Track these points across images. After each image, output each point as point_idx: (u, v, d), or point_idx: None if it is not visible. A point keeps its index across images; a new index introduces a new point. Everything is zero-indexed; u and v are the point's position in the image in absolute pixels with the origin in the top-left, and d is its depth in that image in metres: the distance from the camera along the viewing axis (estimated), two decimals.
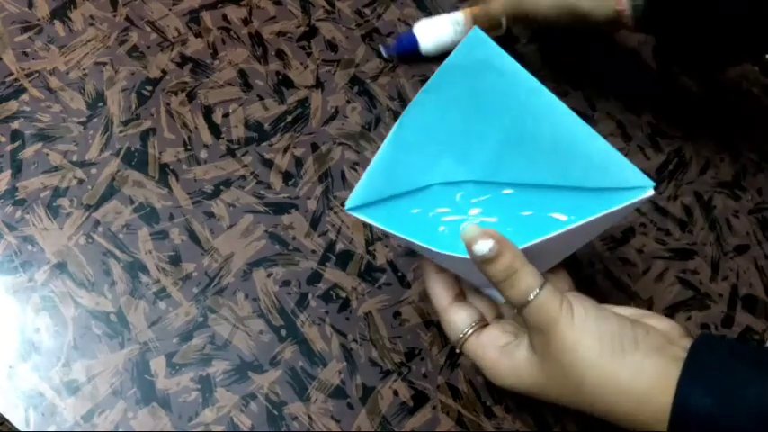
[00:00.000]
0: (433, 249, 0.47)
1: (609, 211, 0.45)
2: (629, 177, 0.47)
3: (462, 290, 0.55)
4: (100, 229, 0.60)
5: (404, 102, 0.68)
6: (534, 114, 0.48)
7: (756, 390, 0.42)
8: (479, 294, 0.54)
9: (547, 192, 0.49)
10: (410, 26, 0.71)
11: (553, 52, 0.72)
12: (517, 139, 0.48)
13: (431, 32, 0.68)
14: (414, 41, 0.68)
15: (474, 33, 0.48)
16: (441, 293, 0.54)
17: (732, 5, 0.53)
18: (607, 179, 0.47)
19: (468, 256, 0.46)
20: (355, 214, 0.50)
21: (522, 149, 0.49)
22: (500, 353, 0.50)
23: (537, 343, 0.47)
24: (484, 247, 0.46)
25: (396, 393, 0.57)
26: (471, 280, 0.52)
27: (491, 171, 0.51)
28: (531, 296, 0.46)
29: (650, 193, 0.46)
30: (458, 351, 0.53)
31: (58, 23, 0.68)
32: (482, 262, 0.47)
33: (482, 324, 0.52)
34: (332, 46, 0.70)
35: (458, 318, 0.52)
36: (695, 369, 0.44)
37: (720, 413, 0.42)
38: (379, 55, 0.70)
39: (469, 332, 0.52)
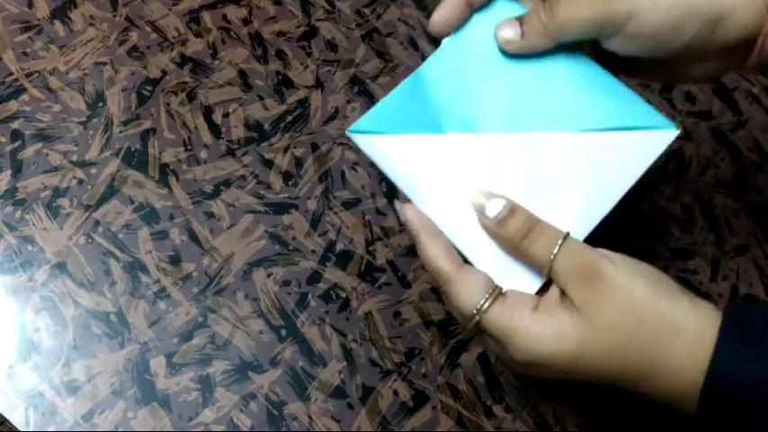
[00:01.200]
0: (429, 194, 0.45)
1: (624, 133, 0.45)
2: (652, 120, 0.46)
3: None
4: (100, 229, 0.60)
5: None
6: (554, 66, 0.47)
7: None
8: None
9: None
10: (411, 26, 0.71)
11: None
12: (537, 91, 0.47)
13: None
14: None
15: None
16: (443, 258, 0.45)
17: None
18: (628, 119, 0.46)
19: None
20: (355, 137, 0.47)
21: (542, 101, 0.47)
22: (535, 314, 0.43)
23: (579, 295, 0.42)
24: (497, 205, 0.43)
25: (396, 393, 0.57)
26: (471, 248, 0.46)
27: (510, 123, 0.47)
28: (558, 244, 0.42)
29: (675, 133, 0.46)
30: (469, 328, 0.44)
31: (57, 23, 0.68)
32: (498, 225, 0.43)
33: (499, 291, 0.44)
34: (332, 46, 0.70)
35: (471, 287, 0.44)
36: (732, 331, 0.41)
37: (755, 381, 0.40)
38: (383, 57, 0.70)
39: (488, 301, 0.43)
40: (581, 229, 0.46)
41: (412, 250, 0.61)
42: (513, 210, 0.44)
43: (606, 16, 0.44)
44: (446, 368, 0.58)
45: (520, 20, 0.46)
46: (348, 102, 0.67)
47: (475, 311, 0.44)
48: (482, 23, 0.48)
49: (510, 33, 0.44)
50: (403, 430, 0.56)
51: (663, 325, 0.42)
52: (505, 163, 0.46)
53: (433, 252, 0.45)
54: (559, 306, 0.43)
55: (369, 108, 0.65)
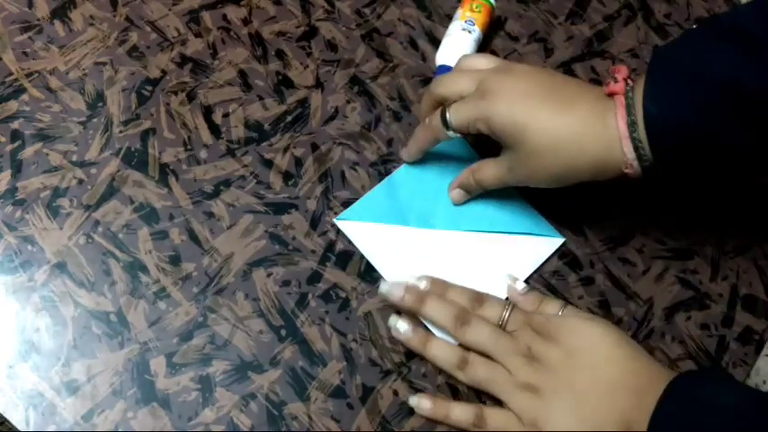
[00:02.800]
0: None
1: (527, 237, 0.63)
2: (547, 230, 0.64)
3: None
4: (100, 229, 0.60)
5: (404, 102, 0.68)
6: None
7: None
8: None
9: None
10: (411, 26, 0.71)
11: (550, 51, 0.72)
12: (471, 202, 0.64)
13: (455, 52, 0.67)
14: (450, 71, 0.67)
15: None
16: (446, 349, 0.58)
17: (734, 137, 0.53)
18: (532, 228, 0.64)
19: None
20: (340, 224, 0.62)
21: (473, 209, 0.64)
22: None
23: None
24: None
25: (396, 393, 0.57)
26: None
27: (453, 222, 0.63)
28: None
29: (560, 240, 0.64)
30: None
31: (58, 23, 0.68)
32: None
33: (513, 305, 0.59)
34: (332, 46, 0.70)
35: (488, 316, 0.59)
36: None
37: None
38: (383, 57, 0.70)
39: (507, 313, 0.58)
40: None
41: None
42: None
43: (515, 182, 0.60)
44: None
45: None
46: (348, 102, 0.67)
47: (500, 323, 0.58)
48: (438, 148, 0.64)
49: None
50: (403, 430, 0.56)
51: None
52: (447, 251, 0.62)
53: (435, 352, 0.58)
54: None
55: (368, 108, 0.65)
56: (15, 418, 0.54)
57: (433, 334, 0.58)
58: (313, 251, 0.61)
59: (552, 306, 0.59)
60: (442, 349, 0.58)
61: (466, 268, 0.61)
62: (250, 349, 0.57)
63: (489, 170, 0.60)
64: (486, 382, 0.56)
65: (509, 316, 0.58)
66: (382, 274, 0.61)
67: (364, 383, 0.57)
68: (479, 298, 0.59)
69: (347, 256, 0.61)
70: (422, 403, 0.56)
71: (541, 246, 0.63)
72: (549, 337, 0.56)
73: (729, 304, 0.63)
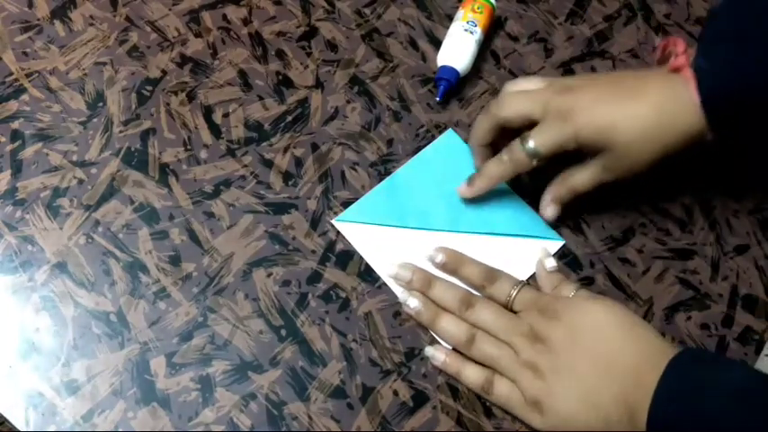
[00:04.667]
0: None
1: (526, 239, 0.63)
2: (547, 232, 0.64)
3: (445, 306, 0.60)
4: (100, 229, 0.60)
5: (404, 102, 0.68)
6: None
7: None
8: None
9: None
10: (411, 26, 0.71)
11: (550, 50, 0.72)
12: (469, 204, 0.64)
13: (457, 53, 0.67)
14: (453, 72, 0.67)
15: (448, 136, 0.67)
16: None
17: None
18: (531, 230, 0.64)
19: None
20: (339, 225, 0.62)
21: (472, 211, 0.64)
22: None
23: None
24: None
25: (396, 393, 0.57)
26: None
27: (450, 223, 0.63)
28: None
29: (560, 243, 0.64)
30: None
31: (58, 23, 0.68)
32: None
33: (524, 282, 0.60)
34: (332, 46, 0.70)
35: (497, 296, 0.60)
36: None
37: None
38: (383, 57, 0.70)
39: (515, 292, 0.59)
40: None
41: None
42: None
43: (613, 179, 0.60)
44: None
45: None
46: (348, 102, 0.67)
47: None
48: (438, 150, 0.66)
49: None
50: (403, 430, 0.56)
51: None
52: None
53: (444, 326, 0.59)
54: None
55: (368, 108, 0.65)
56: (15, 418, 0.54)
57: (442, 310, 0.59)
58: (313, 251, 0.61)
59: (567, 288, 0.59)
60: (451, 324, 0.58)
61: None
62: (250, 349, 0.57)
63: (584, 175, 0.60)
64: (492, 359, 0.57)
65: (516, 294, 0.59)
66: (381, 276, 0.61)
67: (364, 383, 0.57)
68: (492, 275, 0.60)
69: (347, 256, 0.61)
70: (437, 355, 0.58)
71: (540, 248, 0.63)
72: (553, 316, 0.56)
73: (729, 304, 0.63)
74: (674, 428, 0.50)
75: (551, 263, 0.61)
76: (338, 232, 0.62)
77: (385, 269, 0.61)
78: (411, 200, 0.64)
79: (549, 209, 0.62)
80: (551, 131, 0.58)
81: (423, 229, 0.63)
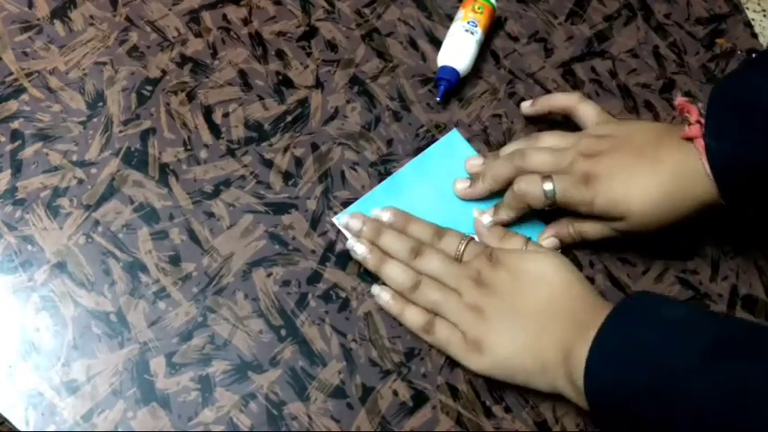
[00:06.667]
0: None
1: None
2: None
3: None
4: (100, 228, 0.60)
5: (404, 102, 0.68)
6: None
7: None
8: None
9: None
10: (411, 26, 0.71)
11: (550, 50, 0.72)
12: (465, 209, 0.64)
13: (457, 53, 0.67)
14: (453, 72, 0.67)
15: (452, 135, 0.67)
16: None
17: None
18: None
19: None
20: (339, 223, 0.62)
21: (466, 216, 0.64)
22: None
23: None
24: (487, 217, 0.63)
25: (395, 393, 0.57)
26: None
27: (450, 224, 0.63)
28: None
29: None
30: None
31: (58, 23, 0.68)
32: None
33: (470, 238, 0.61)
34: (332, 46, 0.70)
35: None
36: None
37: None
38: (383, 57, 0.70)
39: (463, 246, 0.60)
40: None
41: None
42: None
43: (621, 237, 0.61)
44: (446, 368, 0.58)
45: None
46: (348, 102, 0.67)
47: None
48: (441, 150, 0.66)
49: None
50: (403, 430, 0.56)
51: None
52: None
53: (389, 272, 0.60)
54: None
55: (368, 108, 0.65)
56: (15, 418, 0.54)
57: (389, 256, 0.60)
58: (313, 251, 0.61)
59: (515, 241, 0.61)
60: (397, 270, 0.59)
61: None
62: (250, 349, 0.57)
63: (594, 228, 0.62)
64: (437, 304, 0.58)
65: (465, 247, 0.60)
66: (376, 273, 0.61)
67: (364, 383, 0.57)
68: (439, 232, 0.61)
69: (347, 256, 0.61)
70: (382, 295, 0.59)
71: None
72: (498, 262, 0.58)
73: (729, 304, 0.63)
74: (610, 360, 0.51)
75: (487, 218, 0.62)
76: (338, 231, 0.62)
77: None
78: (412, 200, 0.64)
79: (549, 241, 0.63)
80: (573, 189, 0.59)
81: None
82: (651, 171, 0.58)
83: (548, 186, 0.59)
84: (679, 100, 0.61)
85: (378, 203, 0.63)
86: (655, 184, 0.58)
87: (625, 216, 0.59)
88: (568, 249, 0.63)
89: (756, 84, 0.56)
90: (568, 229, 0.62)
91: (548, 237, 0.62)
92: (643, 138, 0.60)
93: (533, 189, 0.60)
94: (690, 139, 0.58)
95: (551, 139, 0.63)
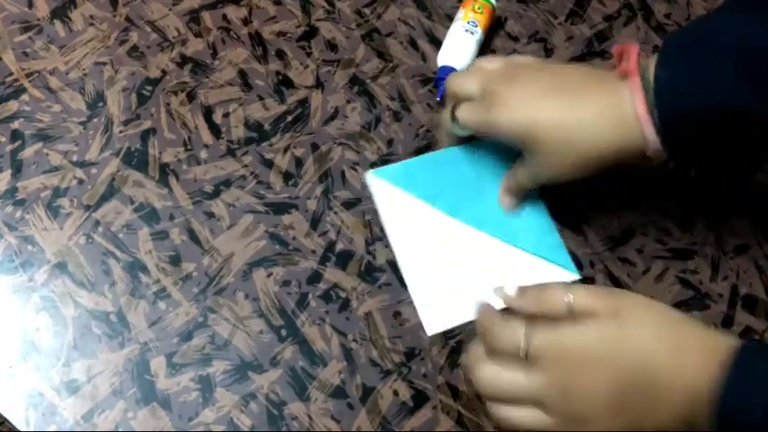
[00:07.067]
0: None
1: (541, 260, 0.62)
2: (565, 260, 0.62)
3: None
4: (100, 229, 0.60)
5: (404, 102, 0.68)
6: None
7: None
8: None
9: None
10: (411, 26, 0.71)
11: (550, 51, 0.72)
12: (500, 209, 0.63)
13: (457, 53, 0.67)
14: (453, 72, 0.67)
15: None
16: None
17: (754, 106, 0.50)
18: (545, 251, 0.62)
19: None
20: (372, 180, 0.63)
21: (501, 216, 0.63)
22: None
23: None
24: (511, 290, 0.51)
25: (396, 393, 0.57)
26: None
27: (477, 221, 0.62)
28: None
29: (575, 276, 0.62)
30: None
31: (58, 23, 0.68)
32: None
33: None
34: (332, 46, 0.70)
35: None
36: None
37: None
38: (383, 57, 0.70)
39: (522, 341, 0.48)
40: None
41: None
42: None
43: (546, 179, 0.58)
44: (446, 368, 0.58)
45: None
46: (348, 102, 0.67)
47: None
48: (492, 144, 0.62)
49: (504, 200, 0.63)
50: (403, 430, 0.56)
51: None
52: (461, 246, 0.62)
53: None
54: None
55: (369, 108, 0.65)
56: (15, 418, 0.54)
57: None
58: (313, 251, 0.61)
59: (556, 295, 0.48)
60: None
61: (471, 269, 0.61)
62: (250, 349, 0.57)
63: (523, 173, 0.60)
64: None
65: (525, 343, 0.49)
66: (391, 242, 0.61)
67: (364, 383, 0.57)
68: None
69: (347, 256, 0.61)
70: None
71: (554, 275, 0.61)
72: (536, 364, 0.48)
73: (729, 304, 0.63)
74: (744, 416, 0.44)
75: (511, 287, 0.51)
76: (338, 232, 0.62)
77: (397, 239, 0.61)
78: (450, 183, 0.63)
79: (504, 200, 0.63)
80: (474, 113, 0.58)
81: (449, 215, 0.62)
82: (570, 102, 0.55)
83: (457, 112, 0.59)
84: (617, 46, 0.56)
85: (416, 173, 0.63)
86: (573, 116, 0.54)
87: (533, 145, 0.56)
88: (569, 249, 0.63)
89: (717, 25, 0.53)
90: (508, 182, 0.62)
91: (501, 200, 0.63)
92: (574, 73, 0.57)
93: (445, 114, 0.61)
94: (625, 76, 0.53)
95: (485, 62, 0.62)
